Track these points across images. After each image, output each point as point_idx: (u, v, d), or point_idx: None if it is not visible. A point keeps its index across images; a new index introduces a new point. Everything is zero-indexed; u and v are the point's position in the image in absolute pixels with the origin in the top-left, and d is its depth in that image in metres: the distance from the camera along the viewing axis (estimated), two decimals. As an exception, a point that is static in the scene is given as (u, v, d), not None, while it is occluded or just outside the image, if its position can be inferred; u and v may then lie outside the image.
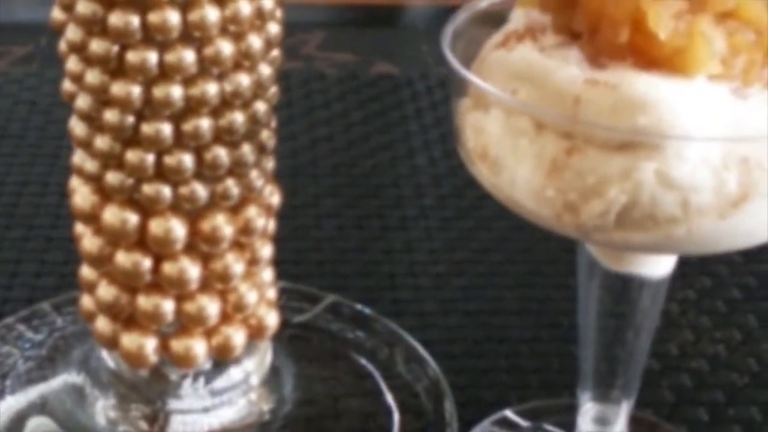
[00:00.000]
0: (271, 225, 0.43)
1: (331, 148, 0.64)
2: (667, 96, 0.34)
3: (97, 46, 0.38)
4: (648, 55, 0.34)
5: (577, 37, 0.37)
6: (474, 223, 0.58)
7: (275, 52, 0.41)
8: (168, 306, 0.41)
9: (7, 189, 0.59)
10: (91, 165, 0.40)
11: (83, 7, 0.38)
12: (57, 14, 0.39)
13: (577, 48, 0.36)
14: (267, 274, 0.44)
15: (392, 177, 0.62)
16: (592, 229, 0.35)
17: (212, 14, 0.37)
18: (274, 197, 0.43)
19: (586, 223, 0.35)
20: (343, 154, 0.63)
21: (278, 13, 0.40)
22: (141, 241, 0.40)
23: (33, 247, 0.55)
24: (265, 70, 0.40)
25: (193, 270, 0.41)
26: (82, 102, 0.40)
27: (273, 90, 0.41)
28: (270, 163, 0.42)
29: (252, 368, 0.45)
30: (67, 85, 0.40)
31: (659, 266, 0.40)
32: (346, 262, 0.55)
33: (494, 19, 0.41)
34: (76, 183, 0.42)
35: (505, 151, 0.36)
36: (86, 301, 0.43)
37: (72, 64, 0.40)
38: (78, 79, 0.39)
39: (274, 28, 0.40)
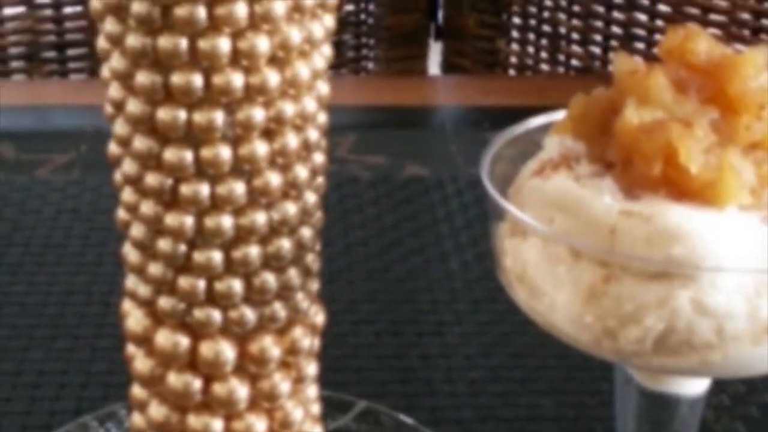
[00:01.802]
0: (316, 343, 0.45)
1: (366, 253, 0.65)
2: (700, 227, 0.35)
3: (152, 179, 0.40)
4: (680, 187, 0.36)
5: (611, 166, 0.38)
6: (508, 328, 0.59)
7: (320, 179, 0.43)
8: (217, 425, 0.42)
9: (53, 299, 0.61)
10: (144, 290, 0.42)
11: (139, 143, 0.39)
12: (113, 149, 0.41)
13: (611, 178, 0.38)
14: (312, 390, 0.45)
15: (426, 282, 0.63)
16: (630, 354, 0.37)
17: (261, 148, 0.39)
18: (318, 317, 0.45)
19: (625, 348, 0.36)
20: (377, 258, 0.65)
21: (323, 143, 0.42)
22: (191, 362, 0.42)
23: (79, 357, 0.57)
24: (311, 197, 0.42)
25: (241, 390, 0.42)
26: (136, 231, 0.41)
27: (318, 215, 0.43)
28: (315, 285, 0.44)
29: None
30: (122, 214, 0.42)
31: (695, 385, 0.41)
32: (384, 369, 0.56)
33: (529, 143, 0.43)
34: (129, 306, 0.43)
35: (544, 277, 0.38)
36: (137, 420, 0.44)
37: (127, 194, 0.41)
38: (133, 209, 0.41)
39: (319, 158, 0.42)
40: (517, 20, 1.03)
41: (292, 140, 0.40)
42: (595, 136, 0.39)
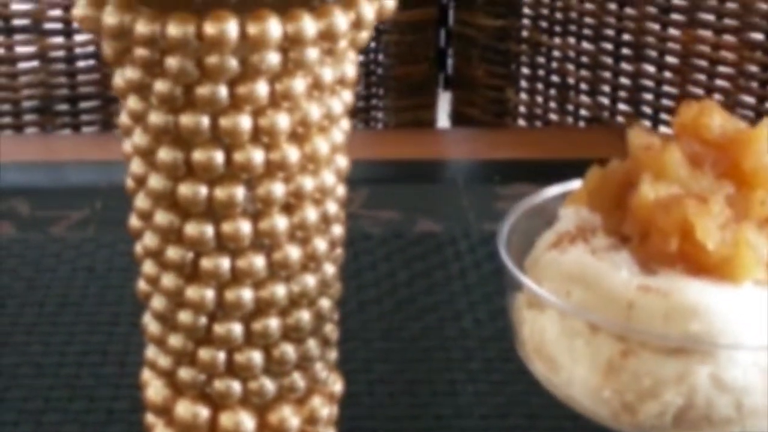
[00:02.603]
0: (335, 411, 0.45)
1: (380, 311, 0.66)
2: (717, 303, 0.36)
3: (173, 252, 0.40)
4: (697, 262, 0.36)
5: (627, 239, 0.39)
6: (522, 387, 0.59)
7: (338, 251, 0.43)
8: (237, 494, 0.43)
9: (69, 359, 0.61)
10: (164, 361, 0.42)
11: (161, 217, 0.40)
12: (134, 222, 0.42)
13: (628, 251, 0.38)
14: (330, 457, 0.45)
15: (440, 340, 0.63)
16: (650, 429, 0.37)
17: (281, 222, 0.40)
18: (336, 385, 0.45)
19: (643, 423, 0.37)
20: (391, 316, 0.65)
21: (341, 215, 0.43)
22: (211, 433, 0.42)
23: (95, 419, 0.57)
24: (330, 269, 0.42)
25: (261, 460, 0.42)
26: (157, 303, 0.42)
27: (336, 286, 0.43)
28: (333, 354, 0.44)
29: None
30: (143, 286, 0.43)
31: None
32: (399, 431, 0.56)
33: (545, 213, 0.44)
34: (148, 376, 0.44)
35: (562, 351, 0.38)
36: (157, 489, 0.45)
37: (148, 267, 0.42)
38: (153, 281, 0.42)
39: (337, 230, 0.42)
40: (525, 70, 1.04)
41: (311, 214, 0.40)
42: (611, 209, 0.40)
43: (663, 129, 0.94)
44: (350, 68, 0.40)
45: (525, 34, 1.02)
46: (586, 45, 0.98)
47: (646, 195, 0.37)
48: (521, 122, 1.05)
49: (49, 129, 0.97)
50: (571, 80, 1.00)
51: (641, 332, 0.36)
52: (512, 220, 0.42)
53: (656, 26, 0.93)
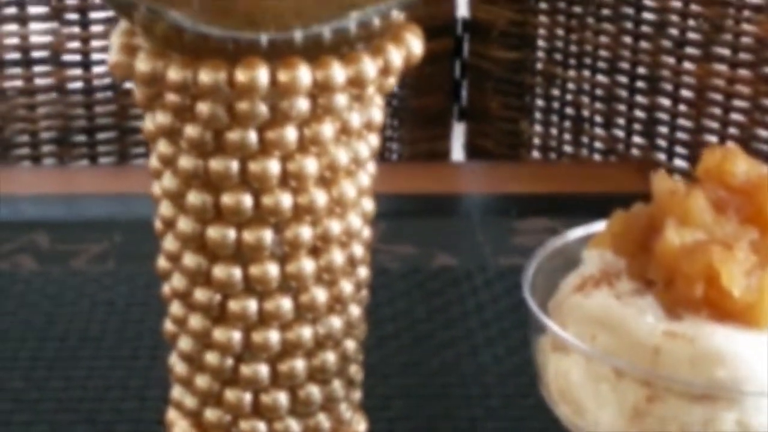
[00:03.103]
0: (358, 451, 0.45)
1: (398, 346, 0.66)
2: (743, 349, 0.36)
3: (200, 294, 0.41)
4: (723, 308, 0.37)
5: (652, 284, 0.39)
6: (541, 425, 0.59)
7: (364, 292, 0.43)
8: None
9: (89, 394, 0.61)
10: (190, 401, 0.43)
11: (189, 260, 0.40)
12: (162, 263, 0.42)
13: (653, 296, 0.38)
14: (353, 497, 0.45)
15: (458, 376, 0.63)
16: (675, 474, 0.37)
17: (308, 265, 0.40)
18: (360, 426, 0.45)
19: (670, 468, 0.37)
20: (409, 352, 0.65)
21: (367, 257, 0.43)
22: (237, 473, 0.42)
23: (116, 455, 0.57)
24: (355, 310, 0.43)
25: (285, 500, 0.42)
26: (184, 344, 0.42)
27: (362, 327, 0.43)
28: (357, 395, 0.45)
29: None
30: (169, 326, 0.43)
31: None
32: (420, 469, 0.56)
33: (569, 255, 0.44)
34: (174, 416, 0.44)
35: (587, 395, 0.38)
36: None
37: (175, 308, 0.42)
38: (181, 322, 0.42)
39: (363, 272, 0.43)
40: (540, 102, 1.04)
41: (337, 257, 0.41)
42: (636, 253, 0.40)
43: (678, 162, 0.94)
44: (377, 113, 0.40)
45: (540, 66, 1.03)
46: (600, 78, 0.99)
47: (671, 240, 0.38)
48: (536, 154, 1.06)
49: (67, 160, 0.98)
50: (585, 113, 1.01)
51: (667, 378, 0.36)
52: (537, 263, 0.43)
53: (671, 60, 0.93)
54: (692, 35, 0.91)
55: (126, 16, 0.38)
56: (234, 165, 0.38)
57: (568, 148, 1.03)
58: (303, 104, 0.37)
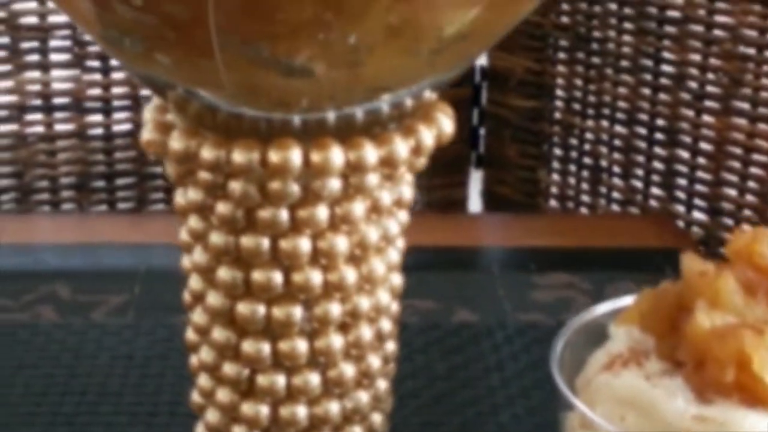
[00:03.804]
0: None
1: (418, 406, 0.66)
2: (774, 437, 0.36)
3: (229, 368, 0.41)
4: (754, 393, 0.37)
5: (681, 365, 0.39)
6: (562, 489, 0.59)
7: (391, 366, 0.43)
8: None
9: (110, 452, 0.61)
10: (216, 474, 0.43)
11: (218, 334, 0.40)
12: (191, 336, 0.42)
13: (683, 378, 0.38)
14: None
15: (479, 436, 0.63)
16: None
17: (337, 341, 0.40)
18: (384, 496, 0.45)
19: None
20: (430, 411, 0.65)
21: (395, 331, 0.43)
22: None
23: None
24: (382, 384, 0.43)
25: None
26: (211, 416, 0.42)
27: (389, 401, 0.43)
28: (381, 464, 0.44)
29: None
30: (197, 398, 0.43)
31: None
32: None
33: (596, 329, 0.44)
34: (199, 486, 0.44)
35: (617, 476, 0.38)
36: None
37: (203, 380, 0.42)
38: (208, 395, 0.42)
39: (390, 346, 0.43)
40: (558, 151, 1.04)
41: (366, 332, 0.41)
42: (665, 333, 0.40)
43: (696, 214, 0.94)
44: (407, 190, 0.41)
45: (558, 115, 1.03)
46: (619, 128, 0.99)
47: (701, 323, 0.38)
48: (553, 203, 1.06)
49: (86, 205, 0.98)
50: (603, 163, 1.01)
51: (698, 464, 0.36)
52: (564, 338, 0.43)
53: (690, 112, 0.93)
54: (711, 89, 0.91)
55: (159, 94, 0.39)
56: (265, 242, 0.38)
57: (585, 198, 1.03)
58: (335, 184, 0.37)
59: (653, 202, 0.98)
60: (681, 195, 0.96)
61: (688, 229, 0.94)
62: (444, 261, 0.82)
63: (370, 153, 0.37)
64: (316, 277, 0.39)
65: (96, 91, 0.95)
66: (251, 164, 0.37)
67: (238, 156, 0.37)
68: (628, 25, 0.96)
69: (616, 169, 1.00)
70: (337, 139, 0.37)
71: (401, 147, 0.38)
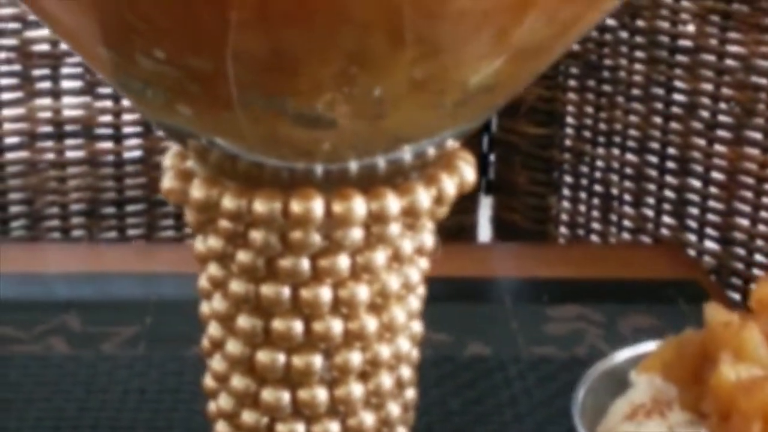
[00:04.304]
0: None
1: (432, 441, 0.65)
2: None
3: (248, 416, 0.40)
4: (779, 448, 0.36)
5: (705, 416, 0.39)
6: None
7: (411, 413, 0.43)
8: None
9: (122, 489, 0.61)
10: None
11: (237, 382, 0.40)
12: (209, 382, 0.42)
13: (707, 430, 0.38)
14: None
15: (494, 474, 0.63)
16: None
17: (357, 390, 0.40)
18: None
19: None
20: (443, 447, 0.65)
21: (415, 378, 0.43)
22: None
23: None
24: (402, 431, 0.42)
25: None
26: (229, 464, 0.42)
27: (407, 448, 0.43)
28: None
29: None
30: (214, 445, 0.43)
31: None
32: None
33: (617, 376, 0.44)
34: None
35: None
36: None
37: (221, 427, 0.42)
38: (227, 442, 0.42)
39: (410, 393, 0.42)
40: (568, 179, 1.04)
41: (386, 380, 0.41)
42: (688, 383, 0.40)
43: (708, 243, 0.94)
44: (428, 237, 0.40)
45: (568, 142, 1.03)
46: (630, 156, 0.99)
47: (726, 375, 0.37)
48: (563, 230, 1.05)
49: (96, 232, 0.98)
50: (614, 191, 1.00)
51: None
52: (585, 386, 0.42)
53: (702, 142, 0.93)
54: (723, 118, 0.91)
55: (179, 142, 0.39)
56: (285, 291, 0.38)
57: (596, 225, 1.03)
58: (357, 234, 0.37)
59: (664, 231, 0.97)
60: (693, 224, 0.95)
61: (700, 258, 0.94)
62: (456, 292, 0.82)
63: (393, 203, 0.37)
64: (336, 326, 0.39)
65: (107, 118, 0.95)
66: (273, 214, 0.37)
67: (260, 206, 0.37)
68: (639, 54, 0.96)
69: (627, 197, 0.99)
70: (359, 188, 0.37)
71: (423, 197, 0.37)
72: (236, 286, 0.39)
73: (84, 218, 0.98)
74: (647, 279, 0.84)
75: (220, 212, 0.37)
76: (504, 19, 0.31)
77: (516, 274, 0.87)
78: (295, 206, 0.36)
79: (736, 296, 0.90)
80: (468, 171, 0.39)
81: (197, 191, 0.37)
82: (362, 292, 0.38)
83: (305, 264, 0.38)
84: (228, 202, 0.37)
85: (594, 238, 1.03)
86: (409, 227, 0.39)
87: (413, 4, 0.30)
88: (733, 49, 0.90)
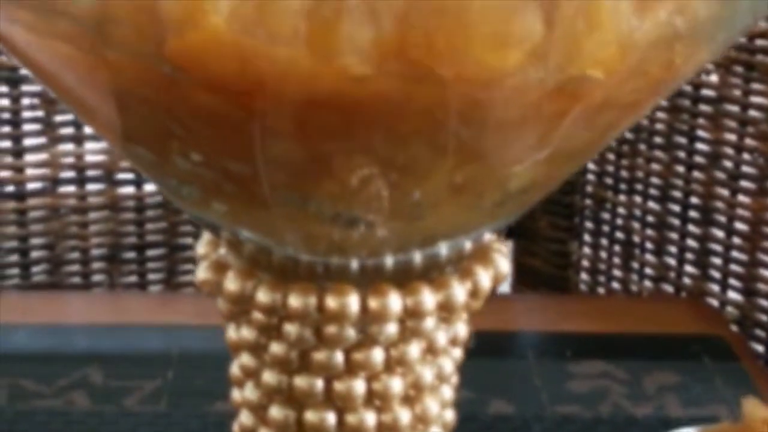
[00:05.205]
0: None
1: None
2: None
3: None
4: None
5: None
6: None
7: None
8: None
9: None
10: None
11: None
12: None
13: None
14: None
15: None
16: None
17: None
18: None
19: None
20: None
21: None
22: None
23: None
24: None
25: None
26: None
27: None
28: None
29: None
30: None
31: None
32: None
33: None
34: None
35: None
36: None
37: None
38: None
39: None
40: (589, 225, 1.04)
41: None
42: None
43: (731, 294, 0.93)
44: (462, 328, 0.40)
45: (589, 188, 1.02)
46: (652, 204, 0.98)
47: (764, 474, 0.37)
48: (584, 276, 1.05)
49: (116, 277, 0.98)
50: (636, 238, 1.00)
51: None
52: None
53: (725, 192, 0.93)
54: (747, 169, 0.91)
55: (213, 233, 0.38)
56: (319, 383, 0.38)
57: (617, 272, 1.02)
58: (392, 329, 0.37)
59: (686, 280, 0.97)
60: (715, 274, 0.95)
61: (723, 309, 0.93)
62: (478, 346, 0.82)
63: (428, 299, 0.37)
64: (369, 418, 0.38)
65: (128, 163, 0.95)
66: (308, 309, 0.36)
67: (295, 301, 0.36)
68: (662, 102, 0.96)
69: (649, 245, 0.99)
70: (394, 283, 0.37)
71: (459, 291, 0.37)
72: (269, 376, 0.39)
73: (105, 263, 0.98)
74: (671, 334, 0.83)
75: (255, 305, 0.37)
76: (545, 126, 0.31)
77: (538, 327, 0.86)
78: (331, 302, 0.36)
79: (760, 348, 0.90)
80: (503, 263, 0.39)
81: (231, 284, 0.37)
82: (396, 384, 0.38)
83: (339, 357, 0.37)
84: (262, 296, 0.37)
85: (615, 285, 1.03)
86: (444, 320, 0.38)
87: (457, 116, 0.30)
88: (756, 100, 0.90)
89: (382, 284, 0.36)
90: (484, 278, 0.38)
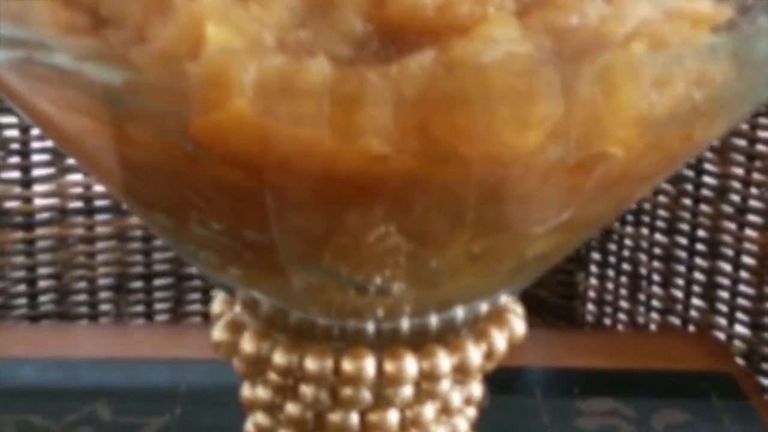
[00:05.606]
0: None
1: None
2: None
3: None
4: None
5: None
6: None
7: None
8: None
9: None
10: None
11: None
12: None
13: None
14: None
15: None
16: None
17: None
18: None
19: None
20: None
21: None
22: None
23: None
24: None
25: None
26: None
27: None
28: None
29: None
30: None
31: None
32: None
33: None
34: None
35: None
36: None
37: None
38: None
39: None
40: (596, 255, 1.04)
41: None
42: None
43: (738, 328, 0.93)
44: (477, 388, 0.40)
45: (597, 220, 1.02)
46: (659, 237, 0.98)
47: None
48: (590, 307, 1.05)
49: (123, 306, 0.98)
50: (643, 270, 1.00)
51: None
52: None
53: (732, 225, 0.93)
54: (754, 203, 0.91)
55: (228, 293, 0.38)
56: (334, 444, 0.38)
57: (624, 304, 1.02)
58: (407, 391, 0.37)
59: (694, 313, 0.97)
60: (722, 307, 0.94)
61: (730, 342, 0.93)
62: (486, 382, 0.81)
63: (444, 362, 0.37)
64: (384, 478, 0.38)
65: (136, 194, 0.95)
66: (324, 372, 0.36)
67: (311, 363, 0.36)
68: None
69: (656, 277, 0.99)
70: (410, 345, 0.37)
71: (474, 354, 0.37)
72: (284, 436, 0.39)
73: (112, 293, 0.98)
74: (679, 370, 0.83)
75: (271, 366, 0.37)
76: (563, 198, 0.31)
77: (545, 362, 0.86)
78: (347, 365, 0.36)
79: (767, 382, 0.90)
80: (518, 324, 0.39)
81: (248, 345, 0.37)
82: (411, 445, 0.38)
83: (354, 419, 0.38)
84: (278, 358, 0.37)
85: (622, 316, 1.02)
86: (459, 382, 0.38)
87: (477, 192, 0.30)
88: (764, 134, 0.90)
89: (398, 347, 0.36)
90: (500, 340, 0.38)
